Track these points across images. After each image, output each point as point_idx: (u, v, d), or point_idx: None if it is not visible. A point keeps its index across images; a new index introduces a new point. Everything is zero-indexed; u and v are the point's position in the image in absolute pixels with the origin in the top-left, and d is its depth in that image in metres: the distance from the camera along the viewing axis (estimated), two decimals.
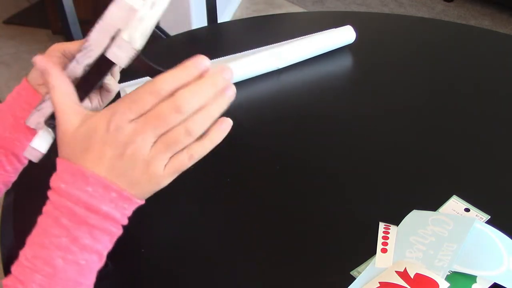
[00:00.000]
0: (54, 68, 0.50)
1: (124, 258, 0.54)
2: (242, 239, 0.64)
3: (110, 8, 0.48)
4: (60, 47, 0.59)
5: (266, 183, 0.72)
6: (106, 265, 0.48)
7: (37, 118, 0.57)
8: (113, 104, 0.47)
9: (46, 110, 0.56)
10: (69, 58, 0.59)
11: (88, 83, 0.53)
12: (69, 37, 1.22)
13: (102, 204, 0.45)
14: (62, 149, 0.48)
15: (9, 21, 2.70)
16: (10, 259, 0.63)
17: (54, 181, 0.47)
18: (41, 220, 0.47)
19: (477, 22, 2.76)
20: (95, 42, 0.50)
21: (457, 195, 0.69)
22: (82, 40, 0.60)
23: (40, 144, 0.56)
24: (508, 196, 0.70)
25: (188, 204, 0.69)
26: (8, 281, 0.46)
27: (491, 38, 1.12)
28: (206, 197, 0.70)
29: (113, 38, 0.48)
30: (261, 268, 0.60)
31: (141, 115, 0.45)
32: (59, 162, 0.47)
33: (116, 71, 0.61)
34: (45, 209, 0.47)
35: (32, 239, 0.46)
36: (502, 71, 0.99)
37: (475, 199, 0.68)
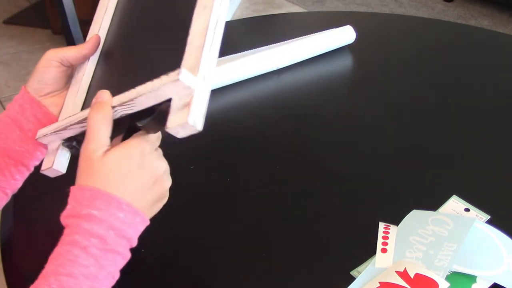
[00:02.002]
0: (109, 104, 0.51)
1: None
2: (242, 239, 0.64)
3: (165, 83, 0.47)
4: (56, 55, 0.59)
5: (266, 183, 0.72)
6: None
7: (53, 139, 0.57)
8: (136, 141, 0.50)
9: (65, 135, 0.56)
10: (67, 65, 0.60)
11: (120, 127, 0.53)
12: (69, 37, 1.22)
13: (129, 229, 0.48)
14: (87, 176, 0.48)
15: (9, 21, 2.70)
16: (9, 258, 0.63)
17: (82, 209, 0.47)
18: (67, 249, 0.46)
19: (477, 22, 2.76)
20: (140, 103, 0.50)
21: (457, 195, 0.69)
22: (78, 46, 0.60)
23: (61, 164, 0.57)
24: (508, 196, 0.70)
25: (188, 204, 0.69)
26: None
27: (491, 38, 1.12)
28: (206, 197, 0.70)
29: (160, 104, 0.49)
30: (261, 268, 0.60)
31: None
32: (85, 190, 0.47)
33: None
34: (71, 238, 0.46)
35: (57, 269, 0.45)
36: (502, 71, 0.99)
37: (475, 199, 0.68)
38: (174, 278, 0.59)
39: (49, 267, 0.46)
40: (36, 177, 0.61)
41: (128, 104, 0.50)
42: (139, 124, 0.51)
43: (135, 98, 0.49)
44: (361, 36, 1.03)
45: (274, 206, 0.68)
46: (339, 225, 0.66)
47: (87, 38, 0.63)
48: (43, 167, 0.58)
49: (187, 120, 0.46)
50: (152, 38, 0.59)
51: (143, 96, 0.49)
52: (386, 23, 1.18)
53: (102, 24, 0.63)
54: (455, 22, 1.50)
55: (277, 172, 0.74)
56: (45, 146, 0.59)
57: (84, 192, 0.48)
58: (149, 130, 0.51)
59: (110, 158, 0.48)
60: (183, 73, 0.47)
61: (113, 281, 0.47)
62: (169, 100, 0.48)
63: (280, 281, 0.58)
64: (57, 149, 0.57)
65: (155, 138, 0.52)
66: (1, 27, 2.67)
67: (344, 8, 2.92)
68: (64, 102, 0.60)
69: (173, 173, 0.63)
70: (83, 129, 0.54)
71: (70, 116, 0.56)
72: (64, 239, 0.47)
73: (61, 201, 0.69)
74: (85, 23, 1.09)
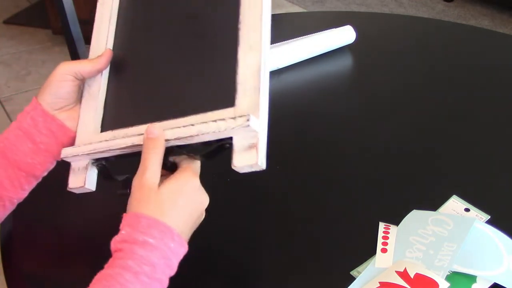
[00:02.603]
0: (162, 139, 0.53)
1: None
2: (242, 239, 0.64)
3: (232, 127, 0.49)
4: (71, 70, 0.58)
5: (266, 183, 0.72)
6: None
7: (81, 158, 0.57)
8: (188, 175, 0.53)
9: (98, 156, 0.57)
10: (80, 79, 0.60)
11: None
12: (69, 37, 1.22)
13: (175, 259, 0.50)
14: (145, 205, 0.50)
15: (9, 21, 2.71)
16: (8, 256, 0.63)
17: (138, 236, 0.49)
18: (118, 272, 0.47)
19: (477, 22, 2.76)
20: (198, 139, 0.51)
21: (457, 195, 0.69)
22: (92, 61, 0.60)
23: (91, 182, 0.58)
24: (508, 196, 0.70)
25: None
26: None
27: (491, 38, 1.12)
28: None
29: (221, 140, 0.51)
30: (261, 268, 0.60)
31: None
32: (142, 218, 0.49)
33: None
34: (124, 263, 0.48)
35: None
36: (502, 71, 0.99)
37: (475, 199, 0.68)
38: (174, 277, 0.59)
39: (96, 286, 0.47)
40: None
41: (186, 139, 0.52)
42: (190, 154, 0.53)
43: (196, 136, 0.51)
44: (361, 36, 1.03)
45: (274, 206, 0.68)
46: (339, 225, 0.66)
47: (92, 46, 0.63)
48: (71, 185, 0.58)
49: (257, 162, 0.50)
50: (162, 49, 0.59)
51: (205, 135, 0.50)
52: (386, 23, 1.18)
53: (108, 35, 0.63)
54: (455, 22, 1.50)
55: (277, 172, 0.74)
56: (57, 158, 0.60)
57: (140, 219, 0.49)
58: (195, 156, 0.53)
59: (166, 190, 0.51)
60: (252, 119, 0.49)
61: None
62: (227, 139, 0.50)
63: (280, 281, 0.58)
64: (86, 168, 0.58)
65: (198, 170, 0.55)
66: (1, 27, 2.68)
67: (344, 8, 2.92)
68: (80, 116, 0.60)
69: None
70: (122, 152, 0.55)
71: (107, 141, 0.56)
72: (116, 262, 0.48)
73: (61, 202, 0.69)
74: (85, 23, 1.09)
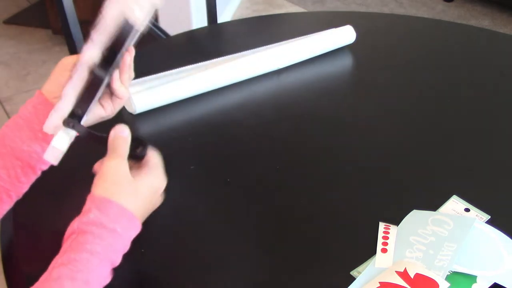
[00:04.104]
0: (129, 136, 0.59)
1: (124, 258, 0.54)
2: (242, 239, 0.64)
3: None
4: (73, 61, 0.60)
5: (266, 183, 0.72)
6: None
7: (55, 121, 0.58)
8: (154, 172, 0.59)
9: (63, 110, 0.58)
10: None
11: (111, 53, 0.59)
12: (69, 37, 1.22)
13: (129, 241, 0.55)
14: (117, 191, 0.54)
15: (9, 21, 2.70)
16: (8, 255, 0.63)
17: (108, 222, 0.52)
18: (86, 257, 0.49)
19: (477, 22, 2.76)
20: (107, 17, 0.57)
21: (457, 195, 0.69)
22: None
23: (61, 143, 0.59)
24: (508, 196, 0.70)
25: (188, 204, 0.69)
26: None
27: (491, 38, 1.12)
28: (206, 197, 0.70)
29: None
30: (261, 268, 0.60)
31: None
32: (115, 205, 0.53)
33: (126, 78, 0.62)
34: (92, 247, 0.50)
35: (72, 274, 0.48)
36: (502, 71, 0.99)
37: (475, 199, 0.68)
38: (174, 277, 0.59)
39: (62, 271, 0.48)
40: (37, 179, 0.61)
41: (100, 27, 0.57)
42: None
43: (103, 13, 0.56)
44: (361, 36, 1.03)
45: (274, 206, 0.68)
46: (339, 225, 0.66)
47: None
48: (45, 153, 0.59)
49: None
50: None
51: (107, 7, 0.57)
52: (386, 23, 1.18)
53: None
54: (455, 22, 1.50)
55: (277, 172, 0.74)
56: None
57: (113, 206, 0.52)
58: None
59: (141, 183, 0.56)
60: None
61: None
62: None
63: (280, 281, 0.58)
64: (58, 127, 0.59)
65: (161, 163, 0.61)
66: (1, 27, 2.67)
67: (344, 8, 2.92)
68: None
69: (173, 174, 0.63)
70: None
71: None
72: (83, 246, 0.50)
73: (61, 203, 0.69)
74: (85, 23, 1.09)
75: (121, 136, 0.58)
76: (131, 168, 0.57)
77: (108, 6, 0.57)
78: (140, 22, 0.58)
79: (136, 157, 0.59)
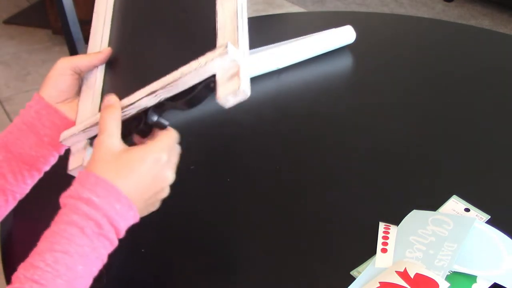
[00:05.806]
0: (119, 105, 0.55)
1: (124, 258, 0.54)
2: (242, 239, 0.64)
3: (212, 58, 0.49)
4: (69, 65, 0.60)
5: (266, 183, 0.72)
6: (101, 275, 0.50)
7: (79, 138, 0.58)
8: (155, 147, 0.52)
9: (93, 133, 0.57)
10: (78, 73, 0.61)
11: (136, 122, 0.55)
12: (69, 37, 1.22)
13: (121, 221, 0.50)
14: (98, 164, 0.51)
15: (9, 21, 2.70)
16: (9, 255, 0.63)
17: (83, 192, 0.49)
18: (63, 228, 0.48)
19: (477, 22, 2.76)
20: (183, 84, 0.51)
21: (457, 195, 0.69)
22: (90, 56, 0.61)
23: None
24: (508, 196, 0.70)
25: (188, 204, 0.69)
26: (22, 283, 0.46)
27: (491, 38, 1.12)
28: (206, 197, 0.70)
29: (205, 80, 0.51)
30: (261, 268, 0.60)
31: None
32: (91, 175, 0.50)
33: None
34: (68, 218, 0.48)
35: (52, 246, 0.47)
36: (502, 71, 0.99)
37: (475, 199, 0.68)
38: (174, 277, 0.59)
39: (43, 245, 0.48)
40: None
41: (171, 86, 0.51)
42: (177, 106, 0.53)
43: (179, 78, 0.50)
44: (361, 36, 1.03)
45: (274, 206, 0.68)
46: (339, 225, 0.66)
47: (90, 39, 0.64)
48: (70, 167, 0.59)
49: (239, 87, 0.48)
50: (155, 38, 0.60)
51: (188, 75, 0.50)
52: (386, 23, 1.18)
53: (103, 29, 0.64)
54: (455, 22, 1.50)
55: (277, 172, 0.74)
56: (60, 151, 0.61)
57: (89, 177, 0.50)
58: (181, 107, 0.53)
59: (126, 155, 0.51)
60: (230, 47, 0.49)
61: (101, 264, 0.49)
62: (210, 77, 0.50)
63: (280, 281, 0.58)
64: (85, 148, 0.58)
65: (172, 146, 0.54)
66: (1, 27, 2.67)
67: (344, 8, 2.92)
68: (79, 105, 0.61)
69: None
70: None
71: (96, 115, 0.57)
72: (61, 218, 0.49)
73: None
74: (85, 23, 1.09)
75: (107, 109, 0.54)
76: (135, 144, 0.54)
77: (188, 71, 0.51)
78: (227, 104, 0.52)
79: (141, 131, 0.55)
